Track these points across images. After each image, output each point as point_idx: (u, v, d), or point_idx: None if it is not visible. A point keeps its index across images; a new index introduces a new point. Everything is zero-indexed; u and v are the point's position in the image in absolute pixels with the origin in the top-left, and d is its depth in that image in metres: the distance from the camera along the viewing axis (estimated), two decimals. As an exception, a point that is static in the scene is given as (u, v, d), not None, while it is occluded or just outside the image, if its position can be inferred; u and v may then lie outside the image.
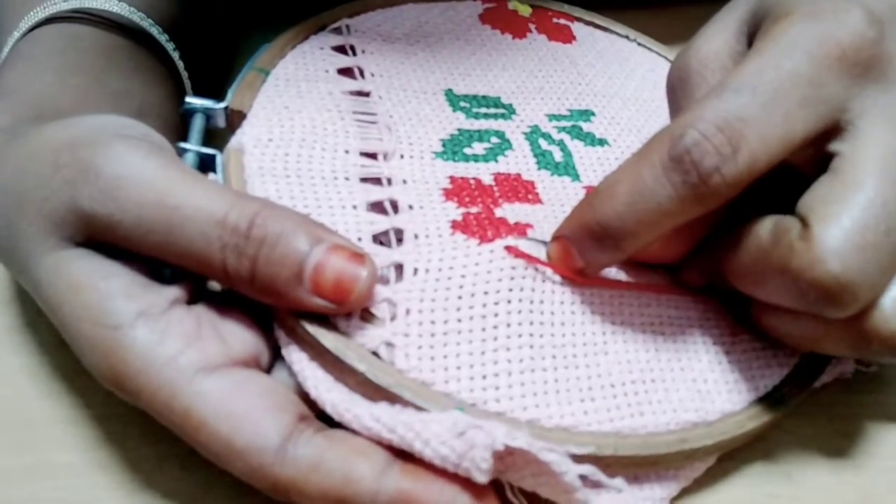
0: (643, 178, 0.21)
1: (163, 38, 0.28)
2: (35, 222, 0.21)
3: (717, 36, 0.24)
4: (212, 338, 0.21)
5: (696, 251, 0.24)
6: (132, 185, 0.21)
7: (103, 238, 0.21)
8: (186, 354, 0.20)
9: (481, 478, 0.20)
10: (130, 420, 0.24)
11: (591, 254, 0.23)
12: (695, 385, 0.24)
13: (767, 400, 0.24)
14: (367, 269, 0.21)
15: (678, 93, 0.25)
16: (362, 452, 0.20)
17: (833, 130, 0.22)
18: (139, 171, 0.21)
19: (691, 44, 0.25)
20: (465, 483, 0.20)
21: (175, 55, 0.28)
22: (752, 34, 0.24)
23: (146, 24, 0.28)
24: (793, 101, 0.21)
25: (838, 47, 0.21)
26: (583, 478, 0.20)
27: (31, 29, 0.27)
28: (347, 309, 0.21)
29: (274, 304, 0.21)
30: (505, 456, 0.20)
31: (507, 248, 0.24)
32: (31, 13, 0.27)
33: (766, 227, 0.22)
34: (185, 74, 0.29)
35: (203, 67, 0.31)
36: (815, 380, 0.25)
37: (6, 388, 0.25)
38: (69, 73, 0.26)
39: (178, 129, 0.28)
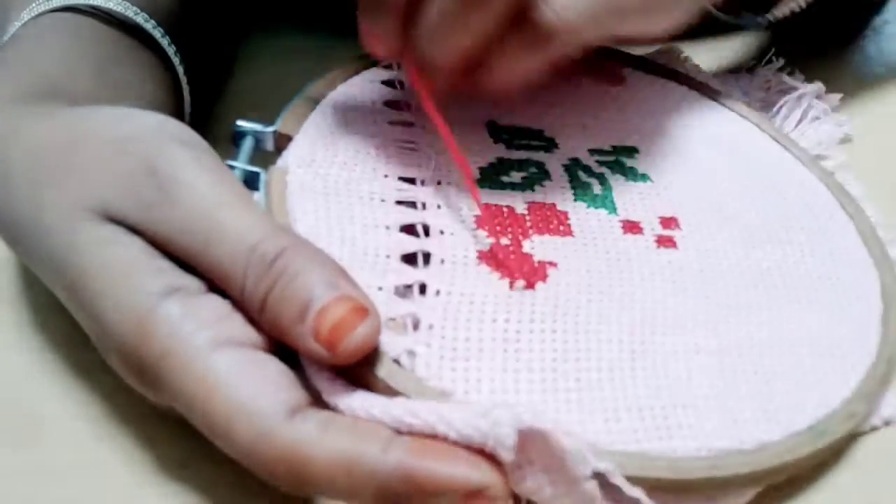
0: None
1: (164, 41, 0.29)
2: (80, 197, 0.22)
3: None
4: (240, 322, 0.22)
5: None
6: (184, 191, 0.22)
7: (143, 232, 0.22)
8: (215, 327, 0.21)
9: (507, 455, 0.19)
10: (131, 421, 0.24)
11: None
12: (731, 414, 0.22)
13: (809, 432, 0.23)
14: (367, 324, 0.20)
15: None
16: (369, 424, 0.20)
17: None
18: (193, 179, 0.22)
19: None
20: (479, 457, 0.20)
21: (176, 59, 0.29)
22: None
23: (149, 25, 0.28)
24: None
25: None
26: (602, 486, 0.20)
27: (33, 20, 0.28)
28: (338, 360, 0.21)
29: (277, 338, 0.21)
30: (524, 464, 0.20)
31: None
32: (34, 5, 0.27)
33: None
34: (184, 79, 0.29)
35: (200, 64, 0.31)
36: (867, 419, 0.24)
37: (7, 387, 0.25)
38: (75, 58, 0.27)
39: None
